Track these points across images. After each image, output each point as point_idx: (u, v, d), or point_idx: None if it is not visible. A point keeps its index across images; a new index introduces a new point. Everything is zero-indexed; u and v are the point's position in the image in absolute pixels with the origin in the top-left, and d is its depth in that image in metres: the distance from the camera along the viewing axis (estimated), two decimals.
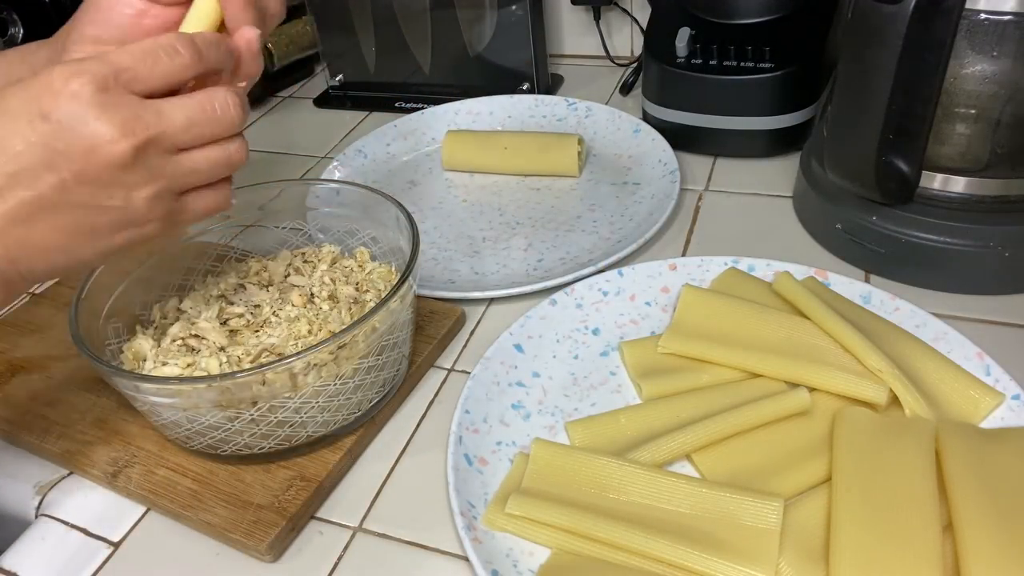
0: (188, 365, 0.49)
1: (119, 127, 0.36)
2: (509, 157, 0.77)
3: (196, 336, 0.51)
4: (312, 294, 0.55)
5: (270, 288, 0.56)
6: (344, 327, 0.46)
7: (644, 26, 0.88)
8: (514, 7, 0.85)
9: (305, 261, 0.58)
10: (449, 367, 0.58)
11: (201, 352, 0.50)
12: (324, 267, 0.57)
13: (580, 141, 0.76)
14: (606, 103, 0.83)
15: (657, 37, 0.75)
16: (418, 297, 0.57)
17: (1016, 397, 0.48)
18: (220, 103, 0.39)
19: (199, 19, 0.43)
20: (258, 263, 0.58)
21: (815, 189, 0.64)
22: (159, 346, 0.51)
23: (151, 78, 0.37)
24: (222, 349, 0.50)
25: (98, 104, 0.35)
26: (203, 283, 0.57)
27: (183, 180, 0.39)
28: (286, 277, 0.57)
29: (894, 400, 0.48)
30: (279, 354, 0.49)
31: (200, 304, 0.54)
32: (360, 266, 0.58)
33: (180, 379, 0.47)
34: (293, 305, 0.53)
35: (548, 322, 0.57)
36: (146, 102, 0.37)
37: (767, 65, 0.70)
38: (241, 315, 0.53)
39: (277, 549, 0.46)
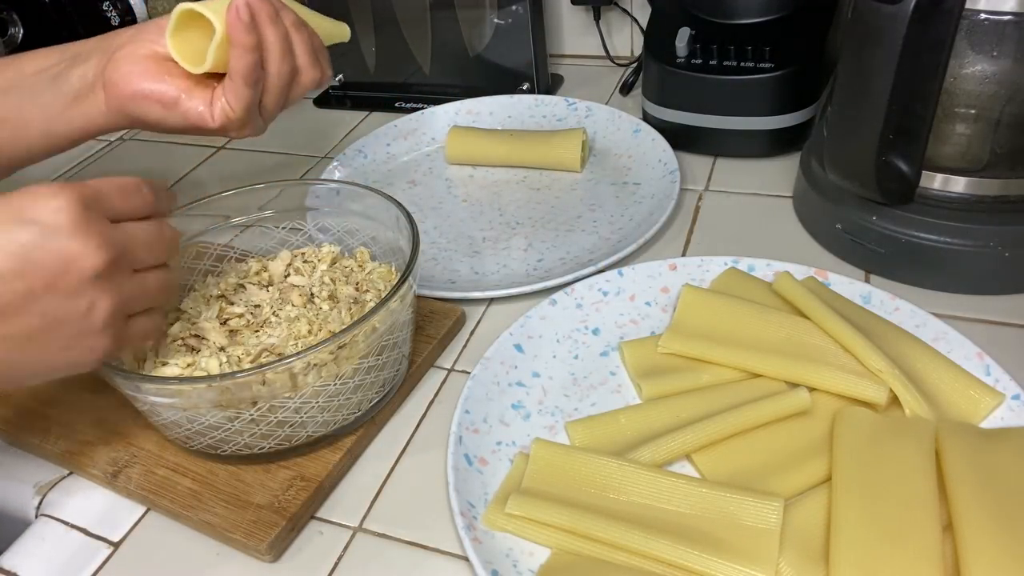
0: (188, 365, 0.49)
1: (95, 242, 0.38)
2: (513, 149, 0.77)
3: (196, 336, 0.51)
4: (312, 294, 0.55)
5: (270, 288, 0.56)
6: (344, 327, 0.46)
7: (644, 26, 0.89)
8: (514, 7, 0.85)
9: (305, 261, 0.58)
10: (449, 367, 0.58)
11: (201, 352, 0.50)
12: (324, 267, 0.57)
13: (584, 133, 0.76)
14: (606, 103, 0.83)
15: (657, 37, 0.75)
16: (418, 297, 0.57)
17: (1016, 397, 0.48)
18: (167, 230, 0.44)
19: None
20: (258, 263, 0.58)
21: (815, 189, 0.64)
22: (159, 346, 0.51)
23: (123, 208, 0.41)
24: (222, 349, 0.50)
25: (79, 220, 0.37)
26: (203, 283, 0.57)
27: (136, 299, 0.42)
28: (286, 277, 0.57)
29: (894, 400, 0.48)
30: (279, 354, 0.49)
31: (200, 304, 0.54)
32: (360, 266, 0.58)
33: (180, 379, 0.47)
34: (293, 305, 0.53)
35: (548, 322, 0.57)
36: (117, 224, 0.40)
37: (767, 65, 0.70)
38: (241, 315, 0.53)
39: (277, 549, 0.46)
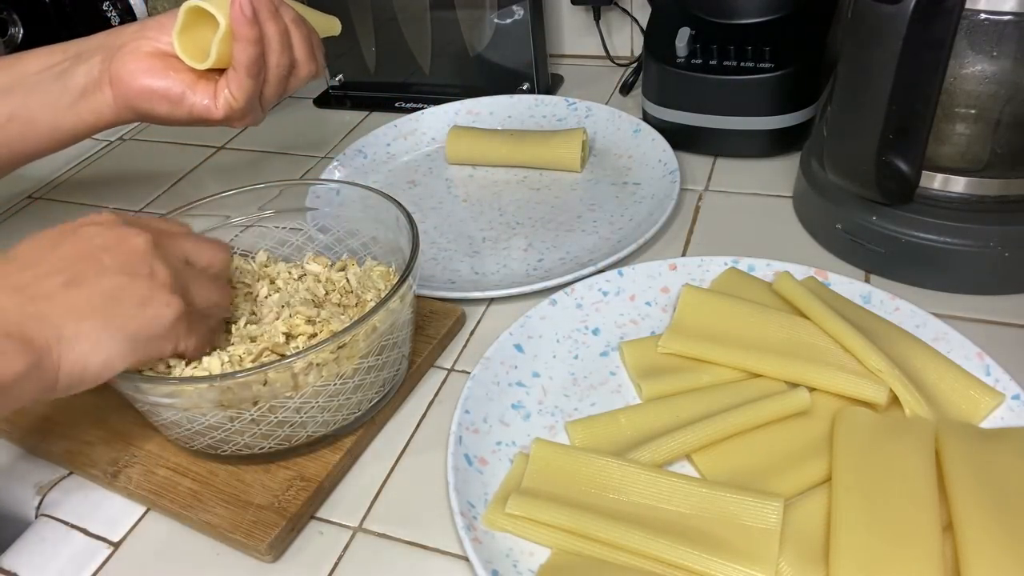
0: (191, 363, 0.49)
1: (135, 229, 0.44)
2: (513, 148, 0.77)
3: None
4: (313, 294, 0.55)
5: (270, 288, 0.56)
6: (344, 327, 0.46)
7: (644, 26, 0.88)
8: (514, 7, 0.85)
9: (305, 264, 0.58)
10: (449, 367, 0.58)
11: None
12: (323, 268, 0.57)
13: (584, 133, 0.76)
14: (606, 103, 0.83)
15: (657, 37, 0.75)
16: (418, 297, 0.57)
17: (1016, 397, 0.48)
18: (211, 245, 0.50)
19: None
20: (258, 263, 0.58)
21: (815, 189, 0.64)
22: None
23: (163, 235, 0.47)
24: (223, 349, 0.50)
25: (125, 223, 0.44)
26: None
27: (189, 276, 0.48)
28: (289, 276, 0.57)
29: (894, 400, 0.48)
30: (280, 354, 0.49)
31: None
32: (360, 268, 0.58)
33: (181, 379, 0.47)
34: (294, 305, 0.53)
35: (548, 322, 0.57)
36: (158, 246, 0.45)
37: (767, 65, 0.70)
38: (241, 315, 0.53)
39: (277, 549, 0.46)
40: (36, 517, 0.51)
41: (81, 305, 0.41)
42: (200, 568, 0.47)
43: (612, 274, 0.60)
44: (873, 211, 0.59)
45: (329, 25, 0.61)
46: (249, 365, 0.48)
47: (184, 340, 0.46)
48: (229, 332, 0.52)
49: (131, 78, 0.53)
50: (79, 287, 0.41)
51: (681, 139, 0.75)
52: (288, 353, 0.48)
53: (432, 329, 0.58)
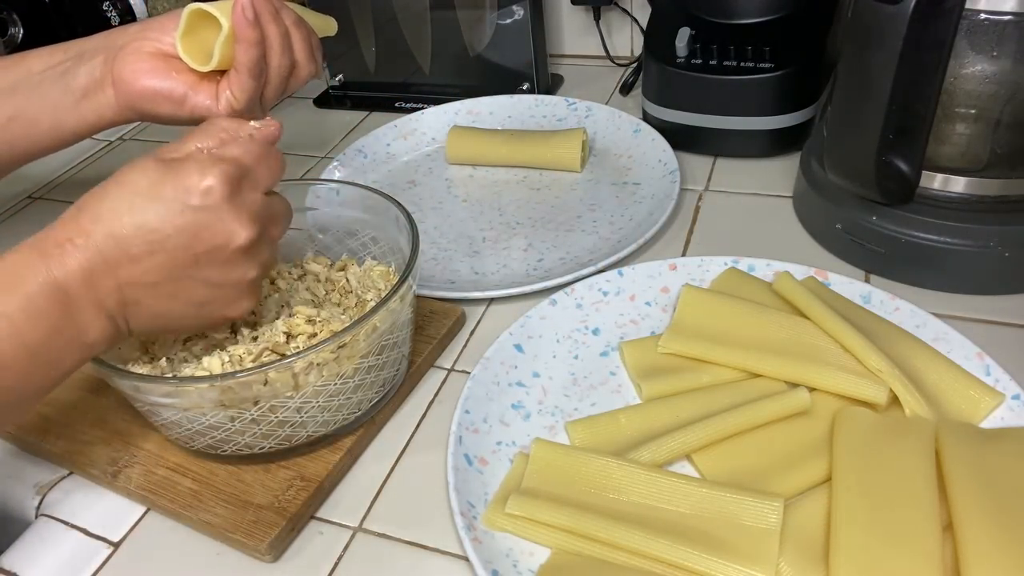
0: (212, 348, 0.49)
1: (246, 218, 0.43)
2: (513, 149, 0.77)
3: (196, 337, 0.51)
4: (313, 294, 0.55)
5: (271, 288, 0.56)
6: (345, 327, 0.46)
7: (644, 26, 0.88)
8: (514, 7, 0.85)
9: (305, 264, 0.58)
10: (449, 367, 0.58)
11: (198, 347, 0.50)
12: (324, 268, 0.57)
13: (584, 133, 0.76)
14: (606, 103, 0.83)
15: (657, 37, 0.75)
16: (418, 297, 0.57)
17: (1016, 397, 0.48)
18: (285, 202, 0.49)
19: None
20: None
21: (815, 189, 0.64)
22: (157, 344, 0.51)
23: (265, 181, 0.46)
24: (223, 349, 0.50)
25: (231, 203, 0.43)
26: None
27: (270, 266, 0.48)
28: (289, 276, 0.57)
29: (894, 400, 0.48)
30: (281, 354, 0.49)
31: None
32: (360, 268, 0.58)
33: (181, 379, 0.47)
34: (295, 304, 0.53)
35: (548, 322, 0.57)
36: (262, 200, 0.45)
37: (767, 65, 0.70)
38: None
39: (277, 549, 0.46)
40: (36, 517, 0.51)
41: (167, 315, 0.44)
42: (200, 568, 0.47)
43: (612, 274, 0.60)
44: (873, 211, 0.59)
45: (326, 25, 0.61)
46: (249, 365, 0.48)
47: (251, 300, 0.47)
48: (232, 332, 0.52)
49: (133, 79, 0.53)
50: (171, 300, 0.44)
51: (681, 139, 0.75)
52: (288, 353, 0.48)
53: (432, 329, 0.58)
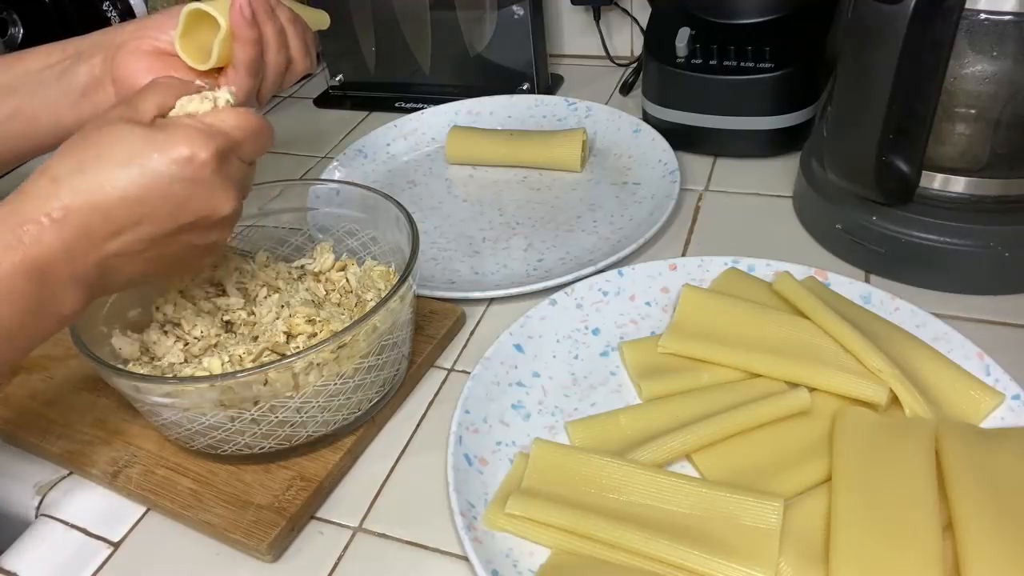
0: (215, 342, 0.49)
1: (232, 192, 0.44)
2: (513, 149, 0.77)
3: (196, 338, 0.51)
4: (313, 294, 0.55)
5: (271, 288, 0.56)
6: (345, 326, 0.46)
7: (644, 26, 0.88)
8: (514, 7, 0.85)
9: (303, 263, 0.58)
10: (449, 367, 0.58)
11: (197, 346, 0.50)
12: (324, 268, 0.57)
13: (584, 133, 0.76)
14: (606, 103, 0.83)
15: (657, 37, 0.75)
16: (418, 297, 0.57)
17: (1016, 397, 0.48)
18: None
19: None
20: (258, 263, 0.58)
21: (815, 189, 0.64)
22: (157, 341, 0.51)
23: (253, 152, 0.47)
24: (223, 348, 0.50)
25: (219, 176, 0.43)
26: (203, 284, 0.57)
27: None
28: (289, 277, 0.57)
29: (894, 400, 0.48)
30: (281, 353, 0.49)
31: (201, 303, 0.54)
32: (360, 268, 0.58)
33: (181, 379, 0.47)
34: (294, 304, 0.53)
35: (548, 322, 0.57)
36: (246, 169, 0.47)
37: (767, 65, 0.70)
38: (241, 313, 0.53)
39: (277, 549, 0.46)
40: (36, 517, 0.51)
41: (143, 276, 0.45)
42: (200, 568, 0.47)
43: (612, 274, 0.60)
44: (873, 211, 0.59)
45: (319, 19, 0.62)
46: (249, 365, 0.48)
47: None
48: (231, 332, 0.52)
49: (133, 78, 0.54)
50: (149, 264, 0.44)
51: (681, 139, 0.75)
52: (288, 353, 0.48)
53: (432, 329, 0.58)
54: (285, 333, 0.50)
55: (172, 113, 0.45)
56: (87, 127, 0.43)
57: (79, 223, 0.40)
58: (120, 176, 0.41)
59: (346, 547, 0.47)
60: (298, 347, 0.49)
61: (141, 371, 0.50)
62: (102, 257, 0.41)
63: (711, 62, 0.71)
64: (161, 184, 0.41)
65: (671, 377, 0.52)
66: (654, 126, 0.77)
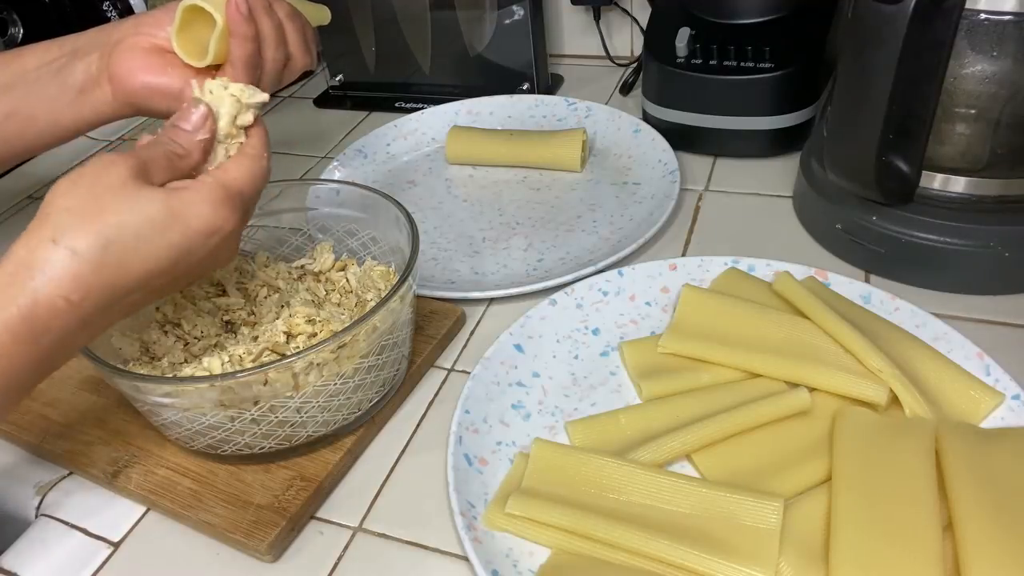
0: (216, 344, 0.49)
1: (239, 238, 0.45)
2: (513, 148, 0.77)
3: (196, 338, 0.51)
4: (313, 294, 0.55)
5: (271, 288, 0.56)
6: (345, 326, 0.46)
7: (644, 26, 0.88)
8: (514, 7, 0.85)
9: (303, 263, 0.58)
10: (449, 367, 0.58)
11: (196, 346, 0.50)
12: (324, 268, 0.57)
13: (584, 133, 0.76)
14: (606, 103, 0.83)
15: (657, 37, 0.75)
16: (418, 297, 0.57)
17: (1016, 397, 0.48)
18: None
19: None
20: (258, 263, 0.58)
21: (815, 189, 0.64)
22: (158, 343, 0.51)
23: (257, 198, 0.47)
24: (223, 347, 0.50)
25: (239, 232, 0.44)
26: (203, 283, 0.57)
27: None
28: (289, 277, 0.57)
29: (894, 400, 0.48)
30: (280, 353, 0.49)
31: (201, 303, 0.54)
32: (360, 268, 0.58)
33: (181, 379, 0.47)
34: (295, 304, 0.53)
35: (548, 322, 0.57)
36: (249, 209, 0.46)
37: (767, 65, 0.70)
38: (241, 313, 0.53)
39: (277, 549, 0.46)
40: (36, 517, 0.51)
41: (146, 304, 0.44)
42: (200, 568, 0.47)
43: (612, 274, 0.60)
44: (873, 211, 0.59)
45: (320, 14, 0.61)
46: (249, 365, 0.48)
47: None
48: (231, 332, 0.52)
49: (130, 75, 0.53)
50: (156, 297, 0.44)
51: (681, 139, 0.75)
52: (288, 353, 0.48)
53: (432, 329, 0.58)
54: (285, 333, 0.50)
55: (205, 96, 0.46)
56: (97, 189, 0.40)
57: (98, 300, 0.39)
58: (146, 254, 0.40)
59: (346, 547, 0.47)
60: (298, 347, 0.49)
61: (141, 371, 0.50)
62: (115, 315, 0.42)
63: (711, 62, 0.71)
64: (186, 257, 0.42)
65: (671, 377, 0.52)
66: (654, 126, 0.77)
